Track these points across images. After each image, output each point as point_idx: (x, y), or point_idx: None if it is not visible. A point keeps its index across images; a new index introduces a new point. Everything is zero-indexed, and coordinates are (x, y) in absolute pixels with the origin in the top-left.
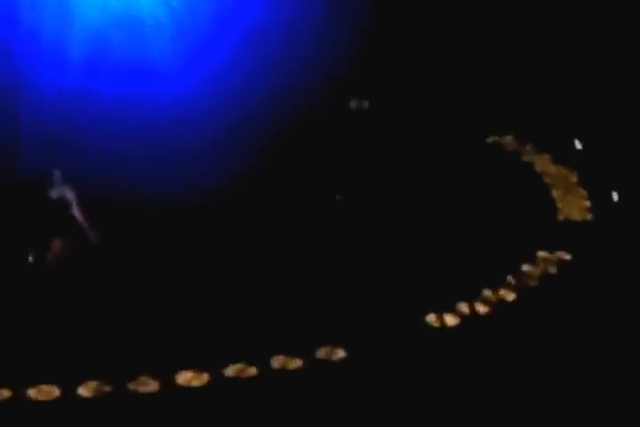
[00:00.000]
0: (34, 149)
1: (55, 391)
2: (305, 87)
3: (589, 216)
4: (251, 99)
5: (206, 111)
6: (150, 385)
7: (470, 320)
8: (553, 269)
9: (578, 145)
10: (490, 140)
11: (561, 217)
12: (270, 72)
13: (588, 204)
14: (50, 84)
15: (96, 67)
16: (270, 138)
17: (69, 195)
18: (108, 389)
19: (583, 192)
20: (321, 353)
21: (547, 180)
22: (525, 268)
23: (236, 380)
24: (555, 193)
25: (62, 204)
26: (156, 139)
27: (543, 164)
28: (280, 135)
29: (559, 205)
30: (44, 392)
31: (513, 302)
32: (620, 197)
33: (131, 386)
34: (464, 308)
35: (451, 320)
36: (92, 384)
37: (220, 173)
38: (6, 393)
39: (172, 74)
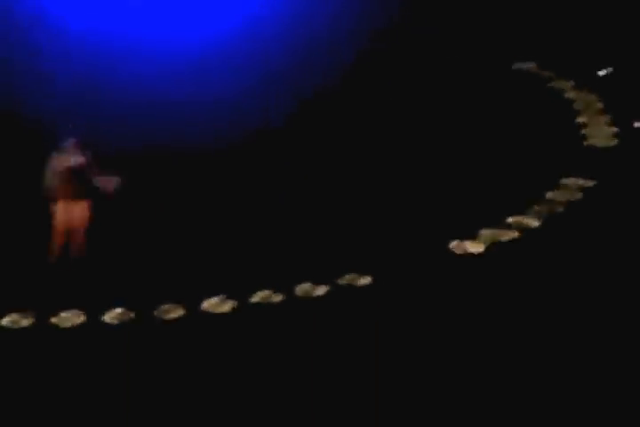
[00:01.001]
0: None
1: (80, 318)
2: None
3: (614, 142)
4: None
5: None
6: (175, 312)
7: (495, 247)
8: (578, 196)
9: (602, 72)
10: (514, 66)
11: (586, 143)
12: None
13: (613, 130)
14: (75, 27)
15: (126, 8)
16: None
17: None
18: (132, 316)
19: (608, 119)
20: (346, 280)
21: (572, 106)
22: (550, 195)
23: (261, 307)
24: (580, 119)
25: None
26: (188, 85)
27: (568, 90)
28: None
29: (585, 131)
30: (69, 319)
31: (538, 228)
32: None
33: (156, 313)
34: (489, 234)
35: (475, 247)
36: (117, 311)
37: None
38: (32, 320)
39: (208, 18)
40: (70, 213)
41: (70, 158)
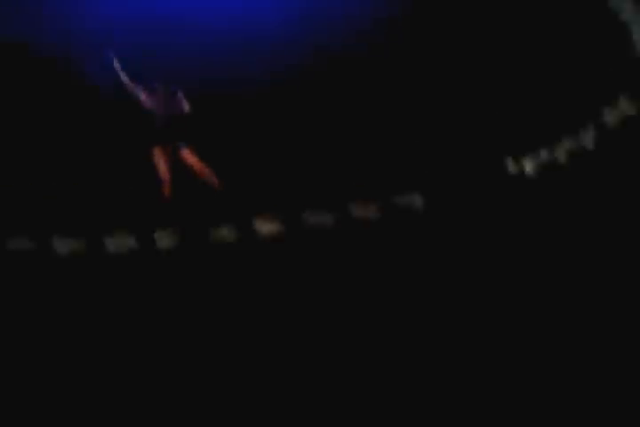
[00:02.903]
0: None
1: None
2: None
3: None
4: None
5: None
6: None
7: (549, 167)
8: (631, 112)
9: None
10: None
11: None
12: None
13: None
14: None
15: None
16: None
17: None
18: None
19: None
20: (398, 200)
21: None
22: (605, 113)
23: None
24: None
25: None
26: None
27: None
28: None
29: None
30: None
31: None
32: None
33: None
34: (544, 154)
35: (529, 166)
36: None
37: None
38: (82, 245)
39: None
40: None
41: (170, 101)
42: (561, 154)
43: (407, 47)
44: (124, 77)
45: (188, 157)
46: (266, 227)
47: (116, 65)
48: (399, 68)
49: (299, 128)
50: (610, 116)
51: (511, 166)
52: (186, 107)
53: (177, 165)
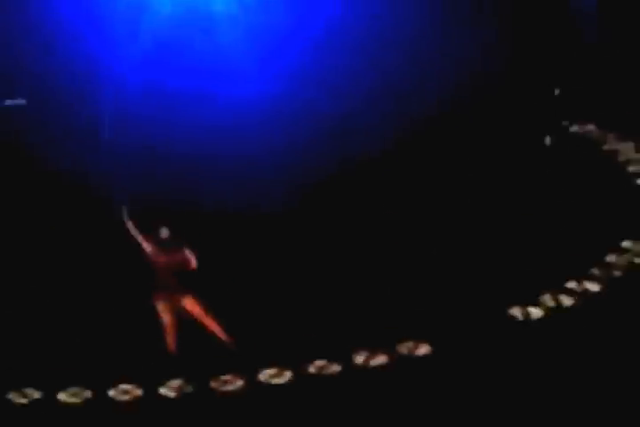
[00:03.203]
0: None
1: (136, 391)
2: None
3: None
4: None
5: (283, 115)
6: (234, 383)
7: (555, 312)
8: (638, 260)
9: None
10: (573, 128)
11: None
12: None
13: None
14: (120, 79)
15: (166, 63)
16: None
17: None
18: (190, 388)
19: None
20: (404, 348)
21: (631, 168)
22: (610, 258)
23: (318, 377)
24: None
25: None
26: (228, 142)
27: (627, 152)
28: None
29: None
30: (125, 392)
31: (598, 293)
32: None
33: (214, 385)
34: (548, 300)
35: (535, 313)
36: (175, 383)
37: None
38: (90, 394)
39: (247, 73)
40: (178, 308)
41: (174, 253)
42: (566, 298)
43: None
44: (131, 228)
45: (193, 308)
46: (276, 378)
47: (126, 216)
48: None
49: (305, 276)
50: (614, 259)
51: (516, 313)
52: (193, 264)
53: (181, 315)
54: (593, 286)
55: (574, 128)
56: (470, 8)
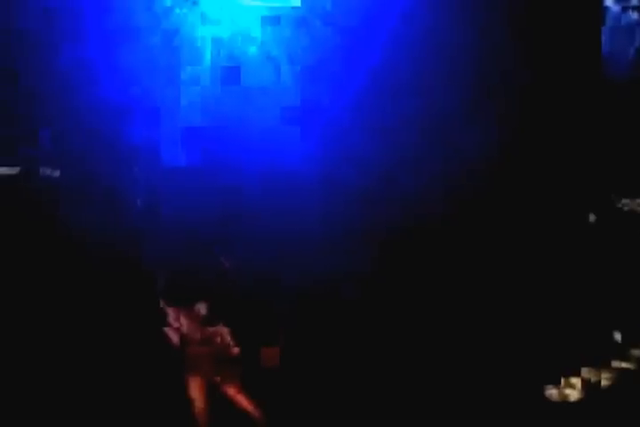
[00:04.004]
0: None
1: None
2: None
3: None
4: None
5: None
6: None
7: (595, 393)
8: None
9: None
10: (622, 203)
11: None
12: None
13: None
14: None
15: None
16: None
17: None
18: None
19: None
20: None
21: None
22: None
23: None
24: None
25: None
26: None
27: None
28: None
29: None
30: None
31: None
32: None
33: None
34: (588, 377)
35: (573, 394)
36: None
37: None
38: None
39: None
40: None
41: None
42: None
43: None
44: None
45: (229, 389)
46: None
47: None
48: None
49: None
50: None
51: (553, 394)
52: (234, 350)
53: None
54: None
55: (622, 202)
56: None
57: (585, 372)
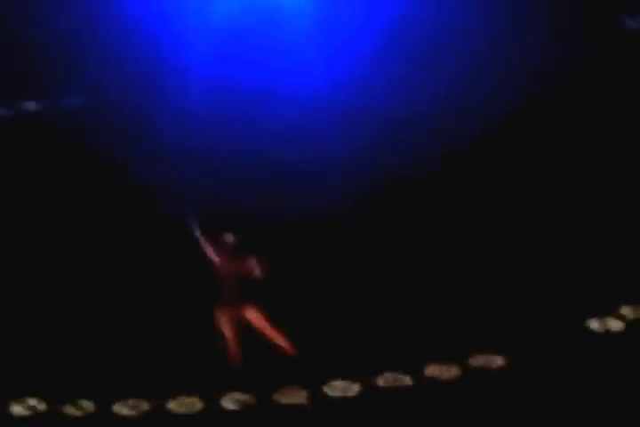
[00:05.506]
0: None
1: (197, 404)
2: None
3: None
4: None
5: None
6: (298, 396)
7: (635, 325)
8: None
9: None
10: None
11: None
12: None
13: None
14: (188, 74)
15: (234, 57)
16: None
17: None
18: (250, 400)
19: None
20: (478, 361)
21: None
22: None
23: (388, 390)
24: None
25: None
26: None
27: None
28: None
29: None
30: (186, 405)
31: None
32: None
33: (277, 397)
34: (630, 312)
35: (615, 325)
36: (237, 396)
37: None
38: (148, 406)
39: (313, 66)
40: (241, 319)
41: (239, 260)
42: None
43: None
44: (197, 232)
45: (256, 319)
46: (339, 390)
47: (195, 227)
48: None
49: (374, 285)
50: None
51: (595, 325)
52: (257, 272)
53: (244, 327)
54: None
55: None
56: None
57: (625, 309)
